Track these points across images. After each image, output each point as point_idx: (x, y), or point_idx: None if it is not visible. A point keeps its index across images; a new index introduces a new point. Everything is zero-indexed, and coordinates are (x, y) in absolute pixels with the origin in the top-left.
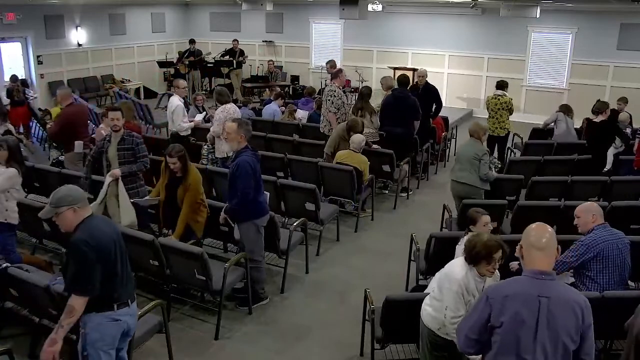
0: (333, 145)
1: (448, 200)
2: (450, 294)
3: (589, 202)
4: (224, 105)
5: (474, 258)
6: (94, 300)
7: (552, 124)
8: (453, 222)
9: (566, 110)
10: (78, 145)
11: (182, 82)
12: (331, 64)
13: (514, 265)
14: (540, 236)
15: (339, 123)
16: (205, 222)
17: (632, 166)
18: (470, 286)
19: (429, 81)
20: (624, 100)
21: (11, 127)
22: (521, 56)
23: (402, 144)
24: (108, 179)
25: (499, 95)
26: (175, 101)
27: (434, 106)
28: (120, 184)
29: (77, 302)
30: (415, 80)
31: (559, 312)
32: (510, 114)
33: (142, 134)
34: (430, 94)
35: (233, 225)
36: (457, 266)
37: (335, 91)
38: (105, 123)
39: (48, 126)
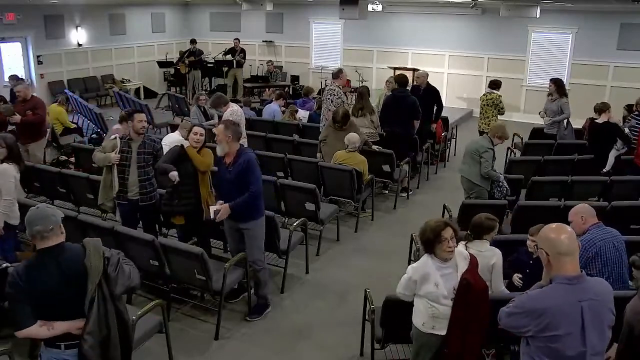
0: (324, 135)
1: (448, 200)
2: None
3: (579, 204)
4: (231, 109)
5: (428, 245)
6: None
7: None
8: (453, 222)
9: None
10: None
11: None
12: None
13: (517, 279)
14: (566, 241)
15: None
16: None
17: (636, 165)
18: (431, 275)
19: (430, 82)
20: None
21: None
22: (521, 56)
23: (402, 144)
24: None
25: (488, 92)
26: (174, 138)
27: (435, 108)
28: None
29: (22, 335)
30: (414, 82)
31: (601, 309)
32: (500, 112)
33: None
34: (431, 96)
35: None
36: (419, 260)
37: (334, 90)
38: (135, 126)
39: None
